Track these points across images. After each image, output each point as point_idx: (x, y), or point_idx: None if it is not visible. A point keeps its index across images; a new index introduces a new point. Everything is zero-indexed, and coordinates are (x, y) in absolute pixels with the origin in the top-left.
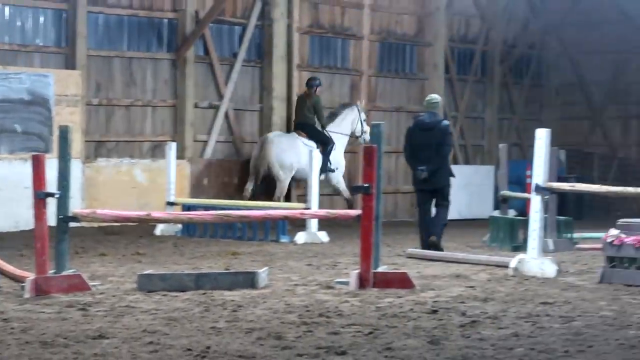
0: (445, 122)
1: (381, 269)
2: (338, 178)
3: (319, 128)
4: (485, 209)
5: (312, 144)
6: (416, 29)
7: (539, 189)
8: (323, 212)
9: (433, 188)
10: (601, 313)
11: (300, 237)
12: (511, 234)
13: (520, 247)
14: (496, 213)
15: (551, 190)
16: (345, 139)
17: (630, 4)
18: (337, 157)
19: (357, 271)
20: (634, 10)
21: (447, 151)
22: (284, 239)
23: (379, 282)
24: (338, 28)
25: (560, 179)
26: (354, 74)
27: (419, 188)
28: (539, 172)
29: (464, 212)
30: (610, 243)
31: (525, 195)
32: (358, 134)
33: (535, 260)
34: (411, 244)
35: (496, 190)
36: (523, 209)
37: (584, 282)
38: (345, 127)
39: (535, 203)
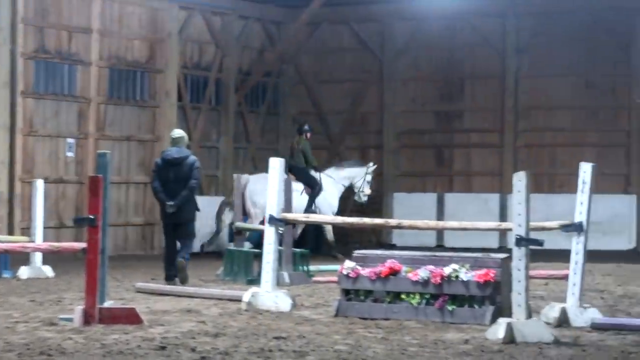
0: (193, 157)
1: (108, 304)
2: None
3: (311, 172)
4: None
5: (300, 186)
6: (148, 55)
7: (273, 220)
8: (46, 245)
9: (179, 222)
10: (336, 347)
11: (24, 272)
12: (246, 267)
13: (255, 280)
14: (231, 246)
15: (286, 222)
16: (339, 186)
17: (367, 32)
18: (329, 200)
19: (82, 307)
20: (370, 39)
21: (194, 185)
22: (6, 274)
23: (105, 317)
24: (65, 53)
25: None
26: (82, 101)
27: (166, 222)
28: (273, 202)
29: (197, 245)
30: (346, 275)
31: (261, 227)
32: (356, 190)
33: (269, 294)
34: (141, 278)
35: (231, 221)
36: (261, 240)
37: (319, 316)
38: (344, 176)
39: (269, 235)
